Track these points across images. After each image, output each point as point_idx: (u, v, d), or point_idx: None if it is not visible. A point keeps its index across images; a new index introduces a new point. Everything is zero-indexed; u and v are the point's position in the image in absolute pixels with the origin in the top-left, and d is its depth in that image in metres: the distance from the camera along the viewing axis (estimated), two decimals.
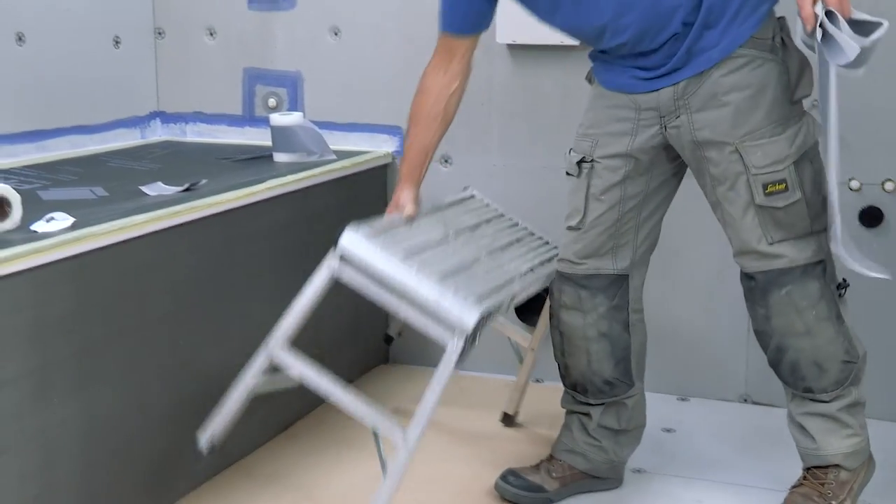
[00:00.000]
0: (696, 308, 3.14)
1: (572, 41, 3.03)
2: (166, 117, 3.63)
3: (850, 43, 2.07)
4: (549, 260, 2.68)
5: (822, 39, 2.09)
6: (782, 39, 2.26)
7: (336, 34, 3.40)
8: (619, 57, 2.32)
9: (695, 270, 3.11)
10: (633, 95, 2.32)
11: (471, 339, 2.18)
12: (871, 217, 2.92)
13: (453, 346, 2.18)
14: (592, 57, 2.43)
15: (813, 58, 2.20)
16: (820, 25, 2.09)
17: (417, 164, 2.51)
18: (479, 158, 3.30)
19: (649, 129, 2.33)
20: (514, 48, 3.18)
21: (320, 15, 3.40)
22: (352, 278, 2.27)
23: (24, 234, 2.14)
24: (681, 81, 2.26)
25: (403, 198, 2.51)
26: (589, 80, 2.48)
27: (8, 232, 2.14)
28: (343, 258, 2.27)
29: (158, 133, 3.62)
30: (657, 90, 2.29)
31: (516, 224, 2.85)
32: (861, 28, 2.10)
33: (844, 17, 2.08)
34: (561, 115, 3.14)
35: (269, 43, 3.48)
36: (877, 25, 2.09)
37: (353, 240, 2.27)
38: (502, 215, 2.87)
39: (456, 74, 2.47)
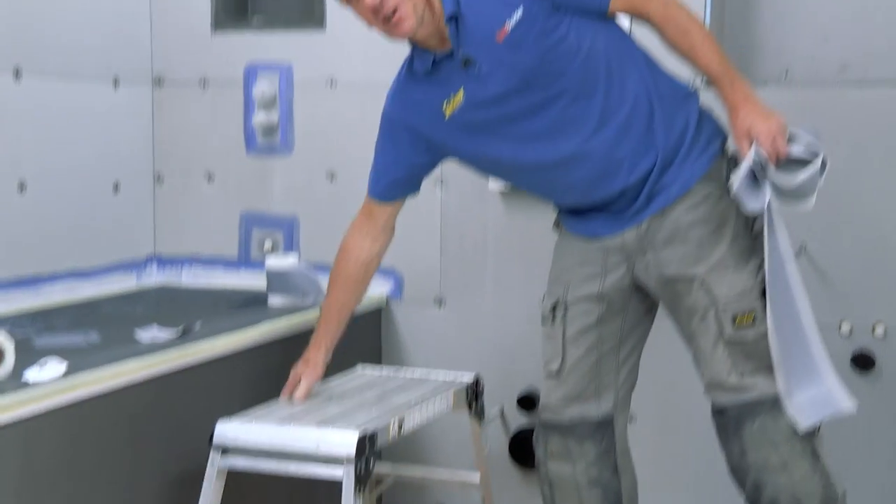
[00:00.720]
0: (690, 450, 3.11)
1: None
2: (163, 261, 3.66)
3: (759, 197, 2.15)
4: (449, 386, 2.71)
5: (741, 185, 2.16)
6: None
7: (332, 178, 3.47)
8: (584, 205, 2.37)
9: (689, 410, 3.08)
10: (599, 240, 2.36)
11: (363, 465, 2.20)
12: (863, 362, 2.92)
13: (345, 477, 2.19)
14: (555, 202, 2.48)
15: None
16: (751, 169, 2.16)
17: (333, 326, 2.57)
18: (473, 300, 3.32)
19: (618, 270, 2.36)
20: (506, 194, 3.24)
21: (317, 160, 3.47)
22: (240, 465, 2.30)
23: (15, 382, 2.14)
24: (644, 221, 2.30)
25: (308, 373, 2.51)
26: (557, 225, 2.51)
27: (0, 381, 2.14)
28: (224, 451, 2.30)
29: (154, 277, 3.64)
30: (622, 232, 2.32)
31: (413, 373, 2.88)
32: (797, 165, 2.16)
33: (781, 157, 2.16)
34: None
35: (266, 187, 3.54)
36: (807, 163, 2.14)
37: (225, 430, 2.31)
38: (397, 372, 2.89)
39: (377, 237, 2.54)
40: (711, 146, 2.31)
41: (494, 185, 3.18)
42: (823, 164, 2.16)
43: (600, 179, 2.28)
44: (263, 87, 3.48)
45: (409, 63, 2.36)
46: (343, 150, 3.45)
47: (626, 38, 2.32)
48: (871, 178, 2.92)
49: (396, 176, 2.48)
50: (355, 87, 3.42)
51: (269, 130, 3.51)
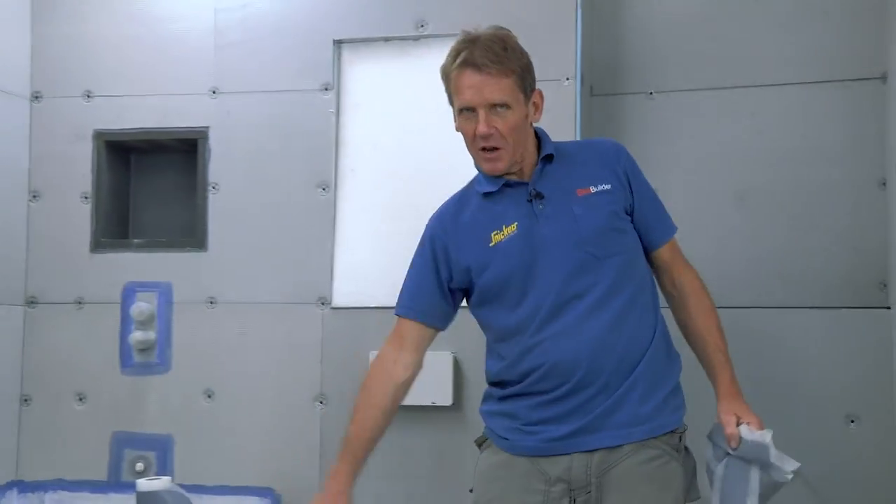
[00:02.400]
0: None
1: (444, 401, 3.15)
2: (24, 486, 3.49)
3: (787, 458, 2.19)
4: None
5: (726, 459, 2.21)
6: (686, 445, 2.32)
7: (209, 397, 3.42)
8: (529, 406, 2.27)
9: None
10: (541, 464, 2.24)
11: None
12: None
13: None
14: (488, 414, 2.36)
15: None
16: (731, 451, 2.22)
17: (359, 449, 2.37)
18: None
19: (561, 503, 2.24)
20: None
21: (194, 378, 3.43)
22: None
23: None
24: (596, 452, 2.22)
25: (333, 489, 2.31)
26: (479, 444, 2.40)
27: None
28: None
29: None
30: (569, 454, 2.23)
31: None
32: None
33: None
34: (435, 476, 3.16)
35: (140, 406, 3.46)
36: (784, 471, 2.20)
37: None
38: None
39: (407, 366, 2.39)
40: (679, 412, 2.31)
41: None
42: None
43: (583, 361, 2.22)
44: (141, 305, 3.46)
45: (469, 184, 2.37)
46: (222, 369, 3.42)
47: (654, 283, 2.39)
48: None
49: (425, 294, 2.37)
50: (235, 307, 3.44)
51: (146, 349, 3.47)
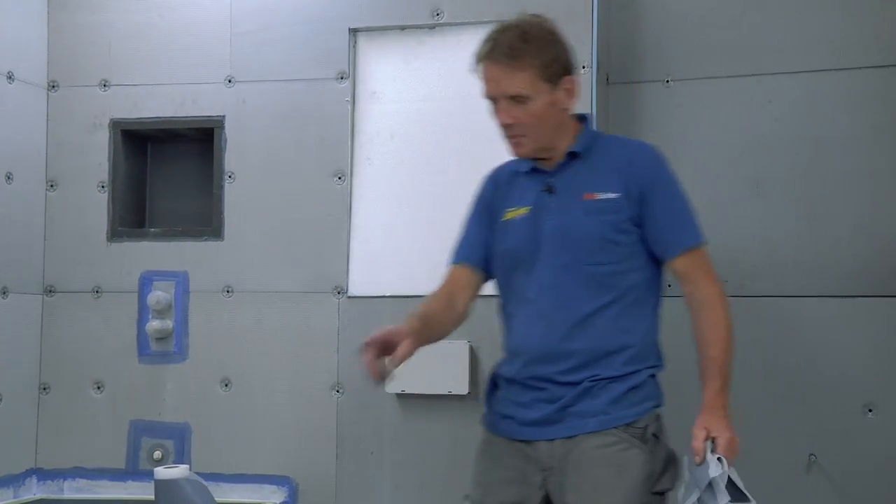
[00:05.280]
0: None
1: (460, 390, 3.15)
2: (43, 474, 3.52)
3: (722, 492, 2.13)
4: None
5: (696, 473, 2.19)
6: (655, 433, 2.32)
7: (226, 385, 3.43)
8: (506, 389, 2.37)
9: None
10: (516, 444, 2.34)
11: None
12: None
13: None
14: (485, 395, 2.46)
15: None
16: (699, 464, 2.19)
17: (428, 327, 2.34)
18: None
19: (535, 479, 2.32)
20: (402, 397, 3.25)
21: (211, 367, 3.45)
22: None
23: None
24: (556, 440, 2.30)
25: (402, 331, 2.24)
26: (482, 423, 2.48)
27: None
28: None
29: (33, 491, 3.48)
30: (534, 441, 2.31)
31: None
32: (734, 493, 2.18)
33: (729, 464, 2.18)
34: (450, 465, 3.16)
35: (157, 395, 3.48)
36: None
37: None
38: None
39: (463, 299, 2.45)
40: (638, 406, 2.32)
41: (391, 387, 3.20)
42: None
43: (539, 348, 2.30)
44: (158, 294, 3.48)
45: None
46: (238, 358, 3.43)
47: (658, 287, 2.40)
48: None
49: (470, 244, 2.49)
50: (251, 296, 3.45)
51: (163, 337, 3.49)
